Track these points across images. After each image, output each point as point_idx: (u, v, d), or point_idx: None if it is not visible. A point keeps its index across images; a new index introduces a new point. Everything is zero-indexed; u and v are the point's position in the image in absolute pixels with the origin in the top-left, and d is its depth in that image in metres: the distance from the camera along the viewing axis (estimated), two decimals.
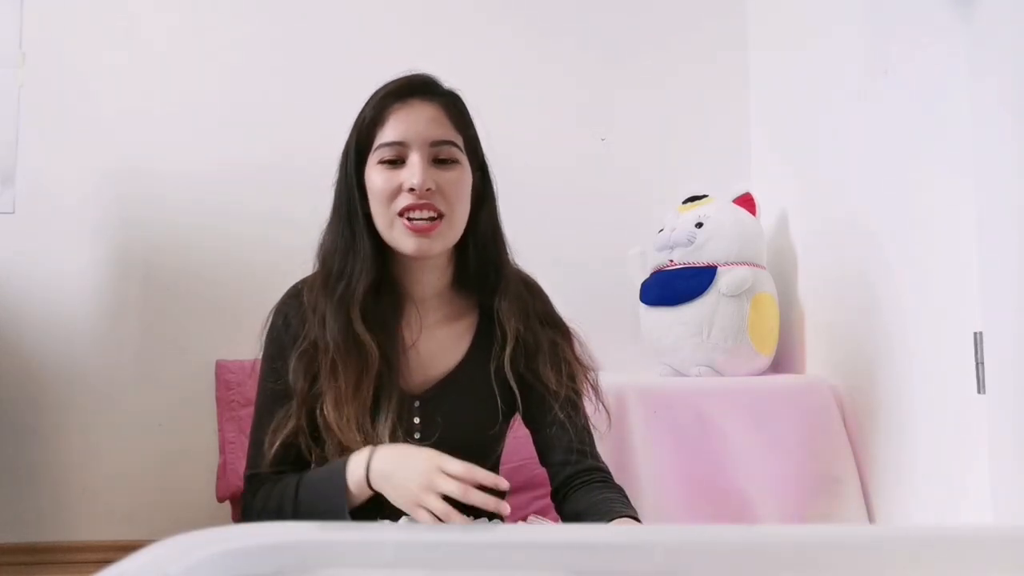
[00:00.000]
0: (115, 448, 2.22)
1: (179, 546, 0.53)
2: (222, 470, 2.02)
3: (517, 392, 1.21)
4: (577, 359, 1.26)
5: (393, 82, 1.20)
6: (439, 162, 1.16)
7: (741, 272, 1.94)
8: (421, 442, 1.18)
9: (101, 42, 2.31)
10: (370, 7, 2.40)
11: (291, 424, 1.14)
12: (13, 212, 2.25)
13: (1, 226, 2.24)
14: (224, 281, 2.26)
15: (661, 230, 2.07)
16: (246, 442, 1.97)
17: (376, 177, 1.16)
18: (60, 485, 2.21)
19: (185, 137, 2.30)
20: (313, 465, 1.17)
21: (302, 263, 1.28)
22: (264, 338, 1.22)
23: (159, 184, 2.28)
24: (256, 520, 1.17)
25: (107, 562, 0.49)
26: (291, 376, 1.16)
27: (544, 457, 1.24)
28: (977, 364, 1.42)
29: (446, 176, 1.16)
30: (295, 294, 1.23)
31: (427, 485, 0.99)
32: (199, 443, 2.16)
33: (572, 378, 1.23)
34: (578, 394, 1.24)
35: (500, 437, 1.26)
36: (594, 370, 1.29)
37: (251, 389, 2.01)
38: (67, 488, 2.21)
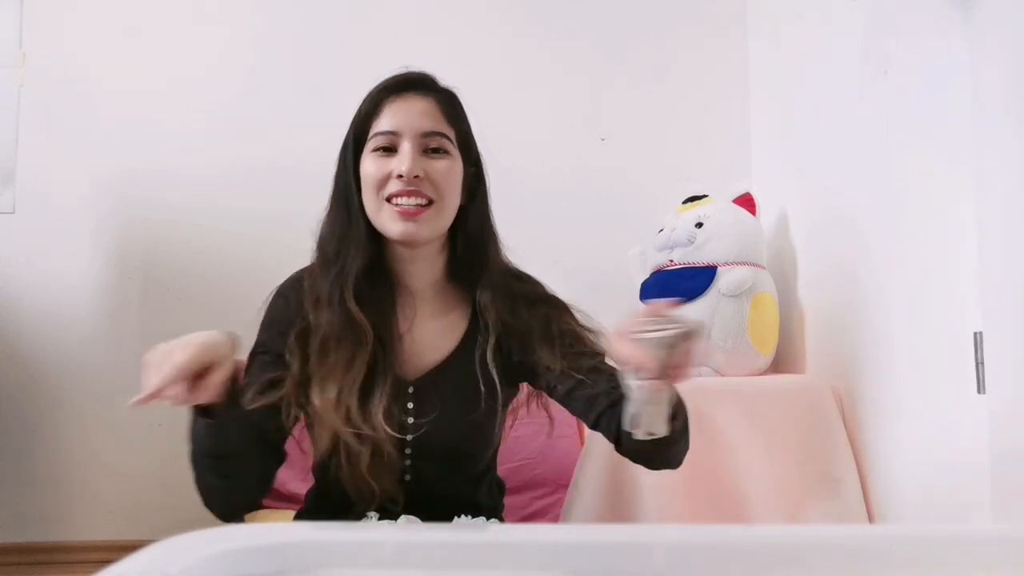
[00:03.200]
0: (115, 448, 2.22)
1: (179, 546, 0.53)
2: None
3: (498, 385, 1.21)
4: (578, 325, 1.25)
5: (391, 78, 1.23)
6: (430, 151, 1.19)
7: (741, 272, 1.94)
8: (415, 427, 1.19)
9: (101, 42, 2.31)
10: (369, 7, 2.40)
11: (275, 394, 1.14)
12: (13, 212, 2.25)
13: (1, 226, 2.24)
14: (224, 281, 2.26)
15: (661, 230, 2.07)
16: None
17: (369, 165, 1.19)
18: (60, 485, 2.21)
19: (185, 137, 2.30)
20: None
21: (302, 263, 1.29)
22: (263, 315, 1.25)
23: (159, 184, 2.28)
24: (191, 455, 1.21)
25: (107, 562, 0.49)
26: (287, 356, 1.17)
27: (588, 416, 1.19)
28: (977, 364, 1.42)
29: (436, 165, 1.18)
30: (298, 279, 1.26)
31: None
32: None
33: (574, 345, 1.21)
34: (591, 354, 1.21)
35: (493, 428, 1.25)
36: (598, 332, 1.27)
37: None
38: (67, 488, 2.21)
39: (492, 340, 1.22)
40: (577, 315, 1.28)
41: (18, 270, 2.23)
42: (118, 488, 2.21)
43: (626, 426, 1.04)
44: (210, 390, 1.05)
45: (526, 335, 1.23)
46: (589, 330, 1.26)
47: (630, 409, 1.02)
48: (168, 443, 2.23)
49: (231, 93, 2.33)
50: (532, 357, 1.22)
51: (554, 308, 1.27)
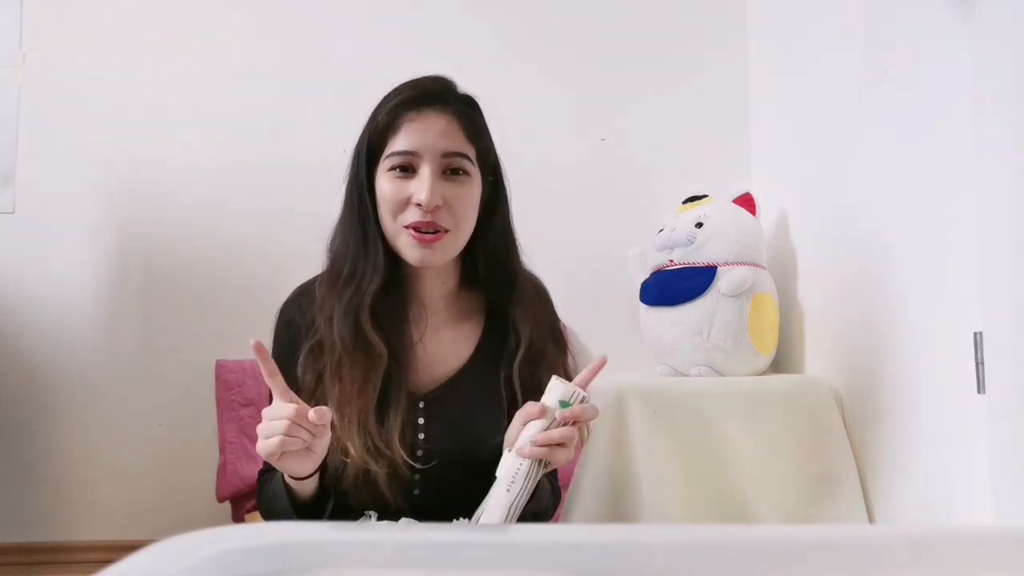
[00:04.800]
0: (115, 448, 2.22)
1: (179, 546, 0.53)
2: (222, 470, 2.02)
3: (520, 399, 1.20)
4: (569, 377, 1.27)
5: (408, 86, 1.20)
6: (449, 173, 1.16)
7: (741, 272, 1.94)
8: (425, 443, 1.18)
9: (101, 42, 2.31)
10: (373, 9, 2.40)
11: None
12: (13, 212, 2.25)
13: (1, 226, 2.24)
14: (224, 281, 2.26)
15: (661, 230, 2.07)
16: (246, 442, 1.98)
17: (386, 186, 1.16)
18: (60, 485, 2.21)
19: (185, 137, 2.30)
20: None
21: (303, 263, 1.28)
22: (272, 338, 1.23)
23: (159, 184, 2.28)
24: (266, 513, 1.20)
25: (107, 562, 0.49)
26: (299, 371, 1.16)
27: None
28: (977, 364, 1.42)
29: (455, 191, 1.16)
30: (302, 292, 1.23)
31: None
32: (199, 443, 2.16)
33: None
34: None
35: (503, 436, 1.25)
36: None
37: (251, 389, 2.02)
38: (67, 488, 2.21)
39: (523, 352, 1.21)
40: (569, 361, 1.29)
41: (18, 270, 2.23)
42: (118, 488, 2.21)
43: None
44: (316, 454, 1.04)
45: (540, 360, 1.22)
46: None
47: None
48: (168, 443, 2.24)
49: (231, 92, 2.33)
50: (535, 383, 1.20)
51: (559, 349, 1.27)
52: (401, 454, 1.12)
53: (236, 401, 2.03)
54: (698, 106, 2.44)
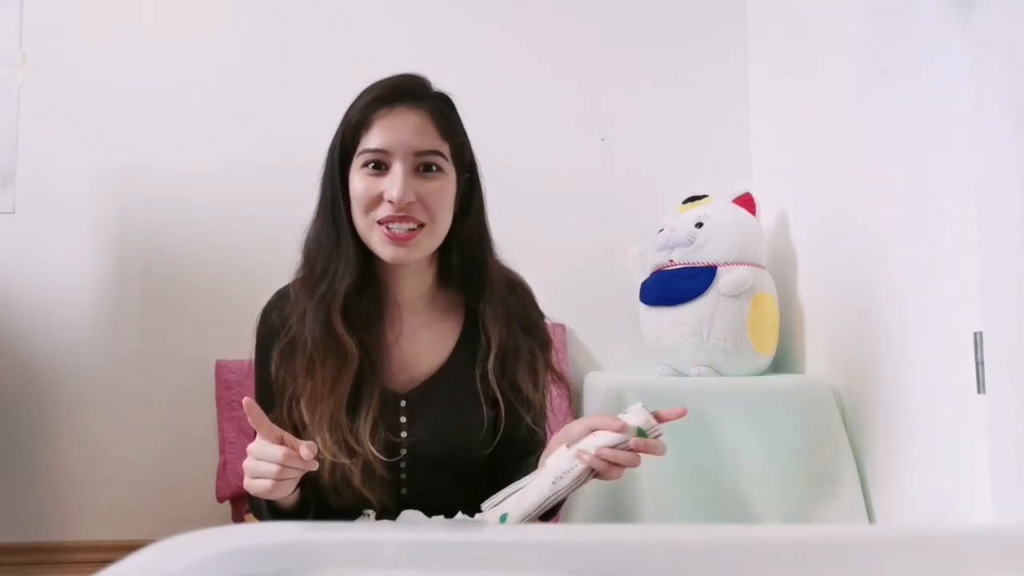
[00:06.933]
0: (115, 448, 2.22)
1: (179, 546, 0.53)
2: (222, 470, 2.02)
3: (501, 400, 1.20)
4: (552, 370, 1.27)
5: (381, 84, 1.18)
6: (422, 170, 1.15)
7: (741, 272, 1.94)
8: (407, 441, 1.18)
9: (101, 42, 2.31)
10: (370, 8, 2.40)
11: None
12: (13, 212, 2.25)
13: (1, 226, 2.24)
14: (224, 281, 2.26)
15: (661, 230, 2.07)
16: (246, 442, 1.99)
17: (358, 183, 1.15)
18: (60, 485, 2.21)
19: (185, 137, 2.30)
20: None
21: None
22: (254, 343, 1.23)
23: (159, 184, 2.28)
24: (257, 514, 1.19)
25: (107, 562, 0.49)
26: (273, 370, 1.16)
27: (501, 451, 1.24)
28: (977, 364, 1.42)
29: (428, 186, 1.14)
30: (280, 297, 1.23)
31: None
32: (199, 443, 2.16)
33: (545, 388, 1.25)
34: (544, 405, 1.26)
35: (488, 433, 1.23)
36: (567, 382, 1.30)
37: (250, 390, 2.02)
38: (67, 488, 2.21)
39: (494, 352, 1.21)
40: (553, 356, 1.29)
41: (18, 270, 2.23)
42: (118, 488, 2.21)
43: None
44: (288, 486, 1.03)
45: (516, 358, 1.22)
46: (559, 377, 1.29)
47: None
48: (168, 443, 2.24)
49: (232, 92, 2.33)
50: (512, 382, 1.22)
51: (541, 344, 1.27)
52: (371, 449, 1.12)
53: (236, 401, 2.04)
54: (698, 106, 2.44)
